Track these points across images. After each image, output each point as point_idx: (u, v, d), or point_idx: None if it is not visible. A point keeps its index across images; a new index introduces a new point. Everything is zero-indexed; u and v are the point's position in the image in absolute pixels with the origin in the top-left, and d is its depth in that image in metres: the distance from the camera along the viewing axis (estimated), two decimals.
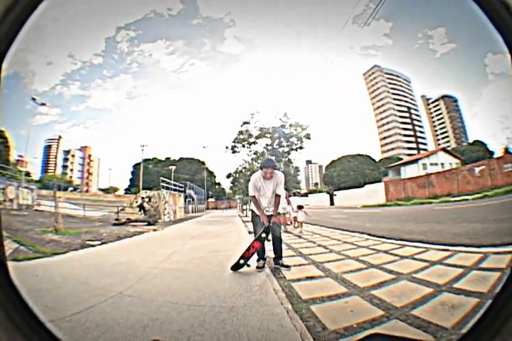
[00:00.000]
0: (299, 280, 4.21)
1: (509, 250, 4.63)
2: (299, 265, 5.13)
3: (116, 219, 14.82)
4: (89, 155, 35.05)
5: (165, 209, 17.29)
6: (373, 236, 7.72)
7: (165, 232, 11.83)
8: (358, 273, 4.39)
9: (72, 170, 33.07)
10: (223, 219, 19.43)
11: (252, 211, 5.15)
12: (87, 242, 8.18)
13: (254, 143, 20.86)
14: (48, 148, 32.86)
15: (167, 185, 19.21)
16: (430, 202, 16.14)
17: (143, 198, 16.85)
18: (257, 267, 4.85)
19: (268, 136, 20.55)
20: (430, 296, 3.22)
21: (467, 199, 14.48)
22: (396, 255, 5.35)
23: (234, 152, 20.93)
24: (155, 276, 4.58)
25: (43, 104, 26.04)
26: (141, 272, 4.80)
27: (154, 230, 12.25)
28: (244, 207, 23.13)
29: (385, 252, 5.70)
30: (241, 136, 20.85)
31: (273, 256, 5.14)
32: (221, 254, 6.22)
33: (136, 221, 14.55)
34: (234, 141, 20.72)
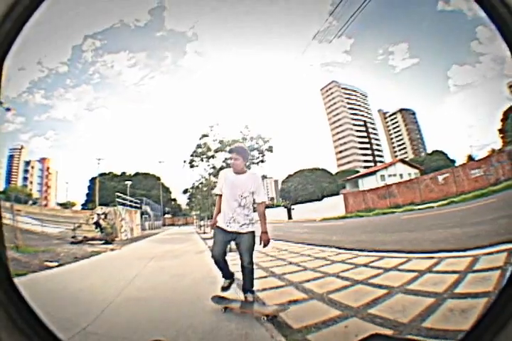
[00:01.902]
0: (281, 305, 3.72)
1: (501, 249, 4.53)
2: (276, 287, 4.61)
3: (73, 237, 13.83)
4: (48, 168, 32.52)
5: (122, 226, 16.31)
6: (343, 249, 7.48)
7: (123, 252, 11.08)
8: (345, 292, 4.06)
9: (31, 182, 30.42)
10: (181, 236, 18.77)
11: (216, 227, 3.78)
12: (45, 263, 7.85)
13: (213, 156, 20.47)
14: (11, 158, 30.14)
15: (123, 201, 18.35)
16: (393, 212, 16.48)
17: (99, 215, 15.72)
18: (222, 287, 3.85)
19: (228, 149, 20.14)
20: (435, 305, 3.02)
21: (432, 207, 14.87)
22: (378, 268, 5.10)
23: (192, 166, 20.45)
24: (119, 307, 3.97)
25: (8, 110, 23.89)
26: (103, 301, 4.17)
27: (112, 250, 11.44)
28: (202, 222, 22.68)
29: (365, 266, 5.44)
30: (199, 150, 20.41)
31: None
32: (186, 279, 5.66)
33: (92, 239, 13.57)
34: (192, 155, 20.26)
